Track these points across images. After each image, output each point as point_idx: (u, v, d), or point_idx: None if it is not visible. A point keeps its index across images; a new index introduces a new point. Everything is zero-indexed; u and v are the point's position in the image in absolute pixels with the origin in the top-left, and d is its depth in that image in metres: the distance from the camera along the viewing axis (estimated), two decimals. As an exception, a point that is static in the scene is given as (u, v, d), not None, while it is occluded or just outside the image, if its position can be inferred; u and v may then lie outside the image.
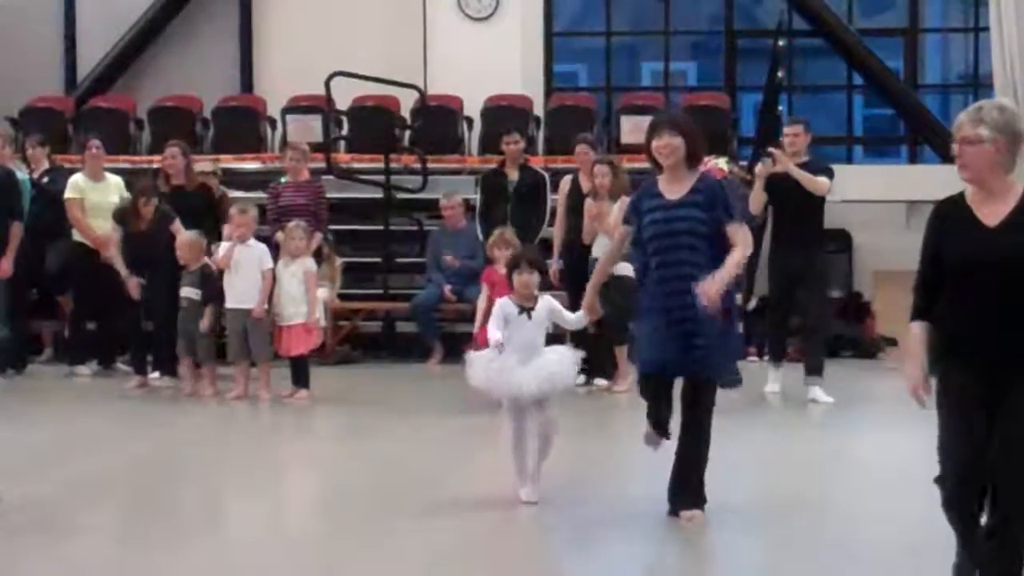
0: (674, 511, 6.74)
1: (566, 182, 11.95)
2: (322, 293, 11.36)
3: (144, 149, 14.87)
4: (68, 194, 12.24)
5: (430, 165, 13.94)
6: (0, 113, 14.83)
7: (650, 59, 18.97)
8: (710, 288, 6.37)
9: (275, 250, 11.19)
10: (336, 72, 13.67)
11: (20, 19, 15.59)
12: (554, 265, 11.35)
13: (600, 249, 9.98)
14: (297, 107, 14.76)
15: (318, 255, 11.62)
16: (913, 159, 16.16)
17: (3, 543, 6.45)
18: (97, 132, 13.20)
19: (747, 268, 12.69)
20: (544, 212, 12.70)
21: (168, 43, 15.82)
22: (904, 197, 14.52)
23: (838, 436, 9.60)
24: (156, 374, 11.52)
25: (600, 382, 11.12)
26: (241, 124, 14.91)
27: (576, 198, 11.54)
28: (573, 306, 7.75)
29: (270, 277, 10.80)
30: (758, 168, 10.80)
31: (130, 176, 12.85)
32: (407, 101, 14.61)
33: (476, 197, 13.26)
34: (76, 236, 12.30)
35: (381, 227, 14.10)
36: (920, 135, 15.71)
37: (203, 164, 13.02)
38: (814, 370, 10.69)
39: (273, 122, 15.02)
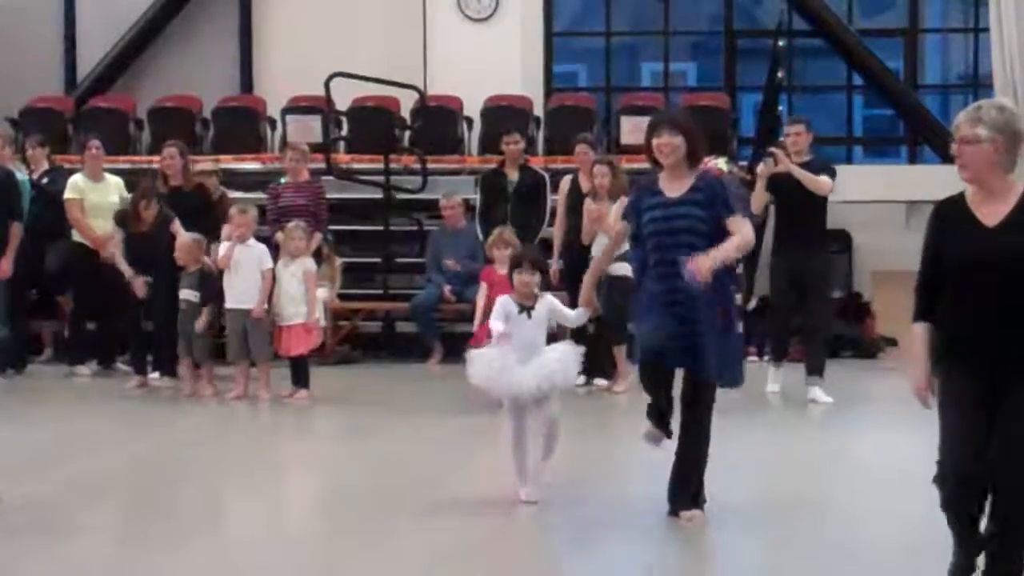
0: (674, 511, 6.73)
1: (566, 182, 11.96)
2: (322, 293, 11.36)
3: (144, 149, 14.87)
4: (68, 194, 12.25)
5: (430, 165, 13.94)
6: (0, 113, 14.83)
7: (650, 59, 18.97)
8: (703, 263, 6.36)
9: (275, 250, 11.20)
10: (336, 72, 13.68)
11: (20, 19, 15.59)
12: (554, 265, 11.35)
13: (599, 249, 9.98)
14: (297, 107, 14.76)
15: (318, 255, 11.62)
16: (913, 159, 16.16)
17: (3, 543, 6.45)
18: (97, 132, 13.20)
19: (747, 268, 12.71)
20: (544, 212, 12.71)
21: (168, 43, 15.82)
22: (904, 197, 14.52)
23: (838, 436, 9.61)
24: (156, 374, 11.52)
25: (600, 382, 11.12)
26: (241, 124, 14.91)
27: (576, 198, 11.55)
28: (573, 305, 7.75)
29: (270, 277, 10.81)
30: (760, 168, 10.78)
31: (130, 176, 12.87)
32: (407, 101, 14.61)
33: (476, 197, 13.27)
34: (76, 236, 12.31)
35: (381, 227, 14.10)
36: (920, 135, 15.71)
37: (204, 164, 13.05)
38: (814, 370, 10.69)
39: (273, 122, 15.02)
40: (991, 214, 4.88)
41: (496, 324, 7.01)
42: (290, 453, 9.47)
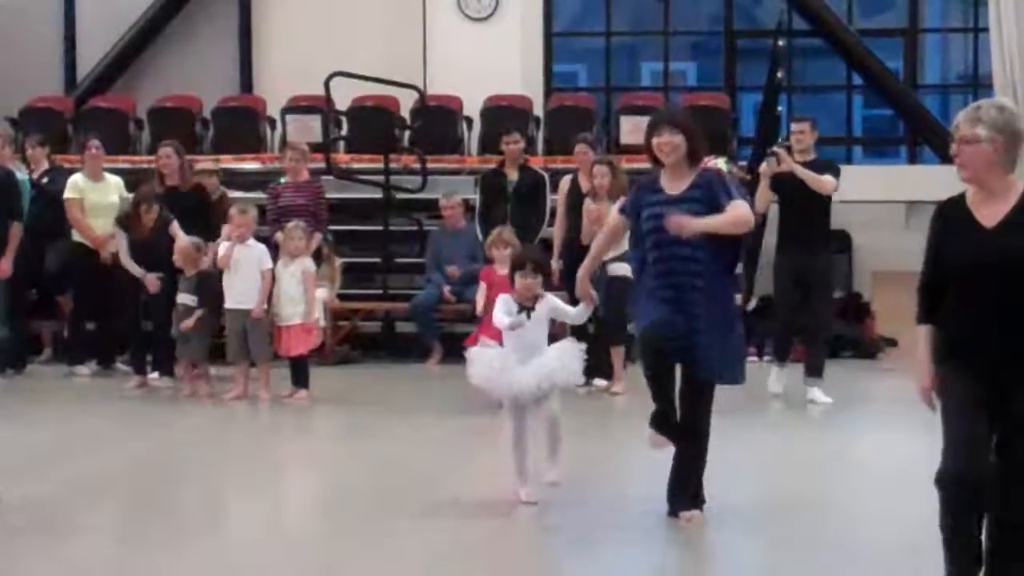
0: (673, 511, 6.73)
1: (565, 182, 11.96)
2: (322, 293, 11.36)
3: (144, 149, 14.86)
4: (67, 194, 12.25)
5: (430, 165, 13.94)
6: (0, 113, 14.83)
7: (650, 59, 18.98)
8: (686, 221, 6.36)
9: (275, 250, 11.20)
10: (336, 72, 13.67)
11: (20, 19, 15.59)
12: (555, 265, 11.34)
13: (599, 248, 9.97)
14: (297, 107, 14.76)
15: (317, 255, 11.62)
16: (913, 159, 16.16)
17: (3, 543, 6.45)
18: (97, 132, 13.21)
19: (747, 268, 12.72)
20: (544, 212, 12.71)
21: (168, 43, 15.82)
22: (904, 197, 14.53)
23: (838, 436, 9.61)
24: (155, 374, 11.52)
25: (599, 382, 11.11)
26: (241, 124, 14.90)
27: (576, 197, 11.55)
28: (572, 302, 7.75)
29: (269, 277, 10.81)
30: (763, 167, 10.75)
31: (130, 176, 12.88)
32: (407, 101, 14.61)
33: (475, 197, 13.26)
34: (76, 236, 12.31)
35: (381, 227, 14.10)
36: (920, 135, 15.71)
37: (204, 164, 13.05)
38: (814, 371, 10.68)
39: (273, 122, 15.02)
40: (990, 215, 4.87)
41: (502, 318, 7.00)
42: (290, 453, 9.47)
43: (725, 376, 6.68)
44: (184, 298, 11.00)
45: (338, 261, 12.28)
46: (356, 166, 14.33)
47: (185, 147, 12.83)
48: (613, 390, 11.03)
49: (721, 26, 16.16)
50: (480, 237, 12.41)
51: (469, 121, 14.86)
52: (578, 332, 9.40)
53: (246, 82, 15.77)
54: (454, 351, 12.06)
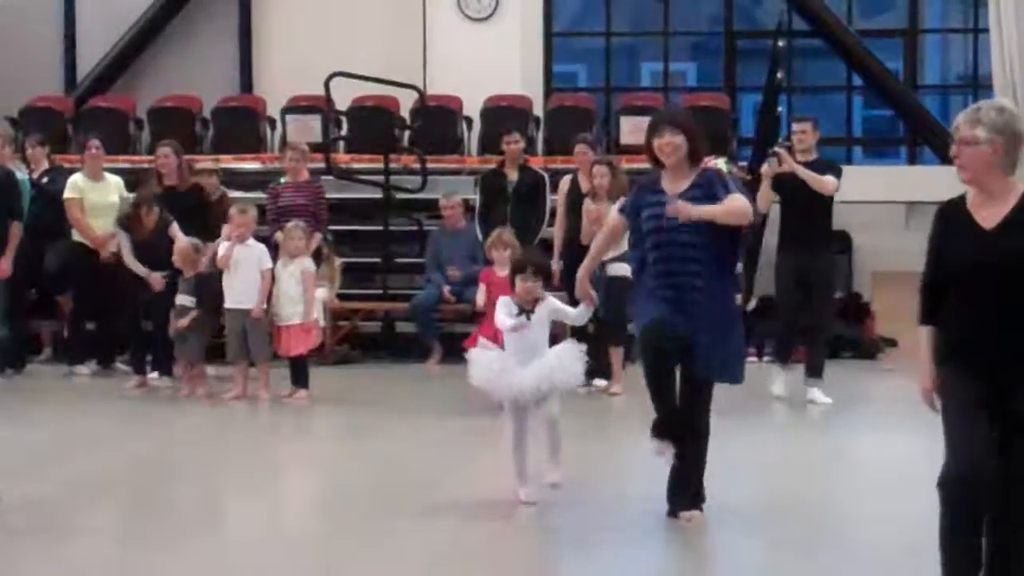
0: (673, 512, 6.73)
1: (565, 182, 11.96)
2: (321, 293, 11.37)
3: (144, 149, 14.86)
4: (67, 194, 12.25)
5: (429, 165, 13.94)
6: (0, 113, 14.83)
7: (650, 59, 18.99)
8: (683, 207, 6.38)
9: (275, 250, 11.20)
10: (336, 72, 13.67)
11: (20, 19, 15.59)
12: (555, 265, 11.34)
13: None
14: (297, 107, 14.76)
15: (317, 255, 11.62)
16: (912, 160, 16.16)
17: (3, 543, 6.45)
18: (97, 132, 13.20)
19: (747, 268, 12.72)
20: (544, 212, 12.71)
21: (168, 43, 15.82)
22: (903, 198, 14.54)
23: (837, 437, 9.61)
24: (155, 374, 11.52)
25: (599, 382, 11.11)
26: (241, 124, 14.90)
27: (575, 197, 11.55)
28: (572, 302, 7.74)
29: (268, 277, 10.81)
30: (764, 168, 10.72)
31: (129, 176, 12.88)
32: (407, 101, 14.61)
33: (475, 197, 13.26)
34: (75, 236, 12.31)
35: (380, 227, 14.09)
36: (919, 136, 15.71)
37: (204, 164, 13.05)
38: (814, 371, 10.67)
39: (273, 122, 15.02)
40: (990, 216, 4.87)
41: (504, 320, 7.00)
42: (289, 453, 9.47)
43: (724, 375, 6.67)
44: (182, 299, 11.00)
45: (338, 261, 12.28)
46: (356, 166, 14.32)
47: (185, 147, 12.85)
48: (612, 390, 11.02)
49: (721, 26, 16.17)
50: (480, 237, 12.41)
51: (469, 121, 14.86)
52: (578, 332, 9.40)
53: (246, 82, 15.77)
54: (454, 351, 12.06)
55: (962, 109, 5.01)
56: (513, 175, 12.85)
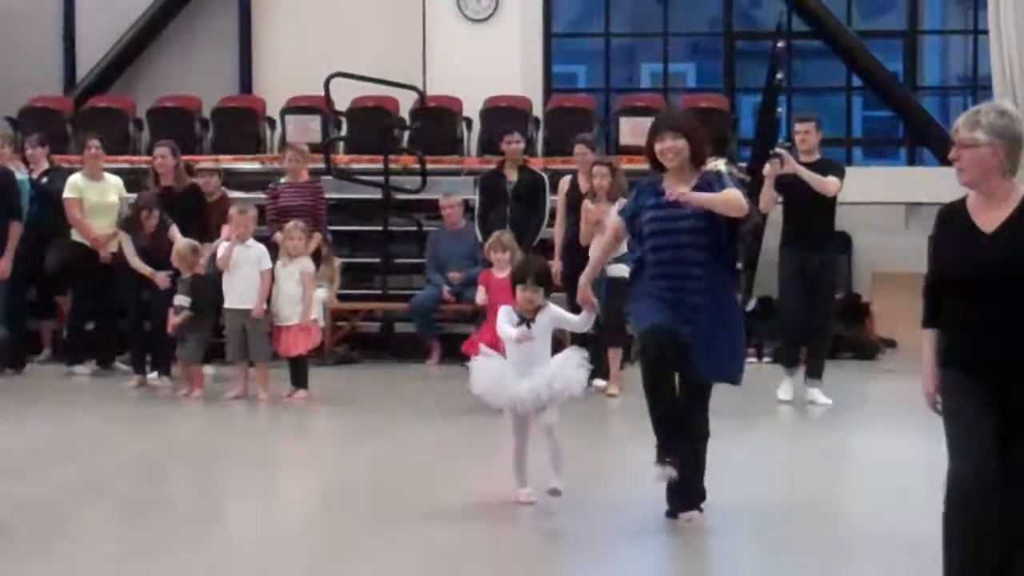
0: (672, 512, 6.74)
1: (565, 182, 11.96)
2: (321, 293, 11.37)
3: (143, 149, 14.86)
4: (67, 194, 12.24)
5: (429, 166, 13.94)
6: (0, 113, 14.83)
7: (649, 60, 19.01)
8: (685, 193, 6.38)
9: (274, 251, 11.21)
10: (335, 73, 13.68)
11: (20, 19, 15.60)
12: (555, 266, 11.34)
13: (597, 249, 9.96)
14: (296, 108, 14.76)
15: (317, 255, 11.62)
16: (912, 161, 16.17)
17: (2, 543, 6.44)
18: (96, 132, 13.20)
19: (746, 268, 12.71)
20: (543, 213, 12.71)
21: (168, 43, 15.83)
22: (903, 199, 14.56)
23: (837, 437, 9.60)
24: (154, 374, 11.53)
25: (599, 383, 11.11)
26: (240, 125, 14.91)
27: (575, 197, 11.54)
28: (572, 304, 7.73)
29: (268, 277, 10.81)
30: (766, 169, 10.67)
31: (129, 176, 12.88)
32: (406, 102, 14.62)
33: (475, 198, 13.26)
34: (75, 236, 12.30)
35: (380, 228, 14.10)
36: (919, 137, 15.72)
37: (206, 164, 13.06)
38: (814, 372, 10.67)
39: (272, 123, 15.03)
40: (990, 220, 4.86)
41: (507, 330, 6.99)
42: (289, 453, 9.47)
43: (724, 377, 6.67)
44: (180, 299, 11.00)
45: (337, 261, 12.28)
46: (356, 166, 14.33)
47: (185, 147, 12.86)
48: (609, 391, 11.01)
49: (720, 27, 16.18)
50: (480, 238, 12.41)
51: (469, 122, 14.86)
52: (577, 333, 9.38)
53: (246, 82, 15.78)
54: (453, 351, 12.09)
55: (961, 110, 5.01)
56: (513, 176, 12.85)
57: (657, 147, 6.63)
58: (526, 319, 7.03)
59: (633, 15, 18.10)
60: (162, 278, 11.31)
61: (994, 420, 4.80)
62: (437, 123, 14.53)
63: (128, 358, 11.99)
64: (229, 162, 14.11)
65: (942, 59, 20.45)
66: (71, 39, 15.98)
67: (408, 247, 14.18)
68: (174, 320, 10.89)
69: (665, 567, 6.49)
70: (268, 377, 10.86)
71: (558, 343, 7.33)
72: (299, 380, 10.85)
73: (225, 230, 11.35)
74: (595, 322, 8.30)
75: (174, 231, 11.42)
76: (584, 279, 7.05)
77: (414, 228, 14.20)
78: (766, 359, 12.79)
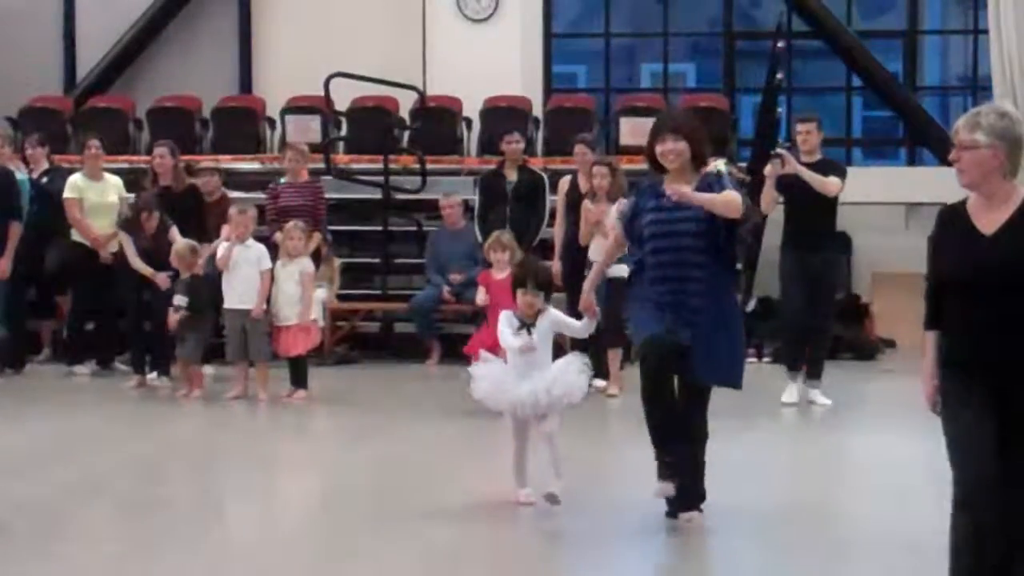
0: (672, 512, 6.73)
1: (565, 182, 11.96)
2: (321, 293, 11.37)
3: (143, 149, 14.86)
4: (67, 194, 12.24)
5: (429, 166, 13.95)
6: (0, 113, 14.83)
7: (649, 60, 19.01)
8: (686, 191, 6.38)
9: (274, 251, 11.21)
10: (335, 73, 13.69)
11: (20, 19, 15.60)
12: (555, 266, 11.34)
13: (597, 252, 9.96)
14: (296, 108, 14.77)
15: (316, 256, 11.63)
16: (912, 161, 16.17)
17: (2, 543, 6.45)
18: (96, 132, 13.20)
19: (746, 269, 12.71)
20: (543, 213, 12.71)
21: (168, 43, 15.83)
22: (903, 199, 14.55)
23: (837, 437, 9.61)
24: (154, 374, 11.53)
25: (599, 383, 11.10)
26: (240, 125, 14.91)
27: (575, 197, 11.54)
28: (572, 304, 7.73)
29: (268, 277, 10.81)
30: (767, 169, 10.65)
31: (129, 176, 12.88)
32: (406, 102, 14.62)
33: (475, 198, 13.26)
34: (75, 236, 12.30)
35: (380, 228, 14.11)
36: (919, 137, 15.72)
37: (207, 164, 13.06)
38: (814, 372, 10.66)
39: (272, 123, 15.03)
40: (990, 221, 4.85)
41: (510, 339, 6.98)
42: (289, 453, 9.47)
43: (724, 380, 6.66)
44: (178, 299, 11.00)
45: (337, 261, 12.29)
46: (355, 166, 14.33)
47: (185, 147, 12.86)
48: (609, 392, 11.00)
49: (720, 27, 16.18)
50: (479, 239, 12.40)
51: (468, 122, 14.87)
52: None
53: (246, 82, 15.78)
54: (453, 351, 12.09)
55: (962, 110, 5.02)
56: (512, 176, 12.85)
57: (658, 149, 6.62)
58: (527, 323, 7.02)
59: (633, 15, 18.10)
60: (163, 279, 11.32)
61: (994, 422, 4.80)
62: (437, 123, 14.53)
63: (128, 358, 11.99)
64: (229, 162, 14.12)
65: (942, 59, 20.46)
66: (71, 39, 15.98)
67: (408, 247, 14.18)
68: (171, 320, 10.90)
69: (665, 567, 6.49)
70: (268, 377, 10.87)
71: (558, 348, 7.32)
72: (299, 380, 10.85)
73: (225, 230, 11.36)
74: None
75: (174, 232, 11.42)
76: (588, 285, 7.05)
77: (414, 228, 14.20)
78: (766, 359, 12.80)
